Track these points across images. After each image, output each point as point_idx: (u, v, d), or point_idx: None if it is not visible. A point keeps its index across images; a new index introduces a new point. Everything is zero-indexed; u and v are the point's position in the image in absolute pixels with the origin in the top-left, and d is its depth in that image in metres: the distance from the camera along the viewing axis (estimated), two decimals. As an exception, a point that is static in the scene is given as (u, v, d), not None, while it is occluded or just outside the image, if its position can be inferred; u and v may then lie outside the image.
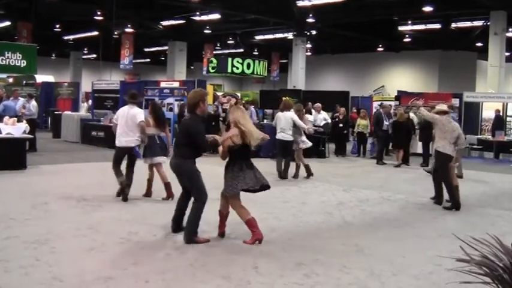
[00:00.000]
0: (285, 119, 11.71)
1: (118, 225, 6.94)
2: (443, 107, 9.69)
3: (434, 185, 9.32)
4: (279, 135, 11.79)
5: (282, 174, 11.77)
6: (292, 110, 12.09)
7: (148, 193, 8.97)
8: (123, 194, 8.58)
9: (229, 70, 19.88)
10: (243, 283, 4.92)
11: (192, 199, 6.41)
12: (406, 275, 5.34)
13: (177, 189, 7.04)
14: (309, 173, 12.00)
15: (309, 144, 12.37)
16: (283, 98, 15.86)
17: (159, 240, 6.30)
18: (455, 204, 8.84)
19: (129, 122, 8.51)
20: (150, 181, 9.00)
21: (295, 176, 11.94)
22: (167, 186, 8.75)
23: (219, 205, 6.50)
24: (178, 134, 6.37)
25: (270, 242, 6.42)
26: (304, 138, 12.14)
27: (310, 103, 17.76)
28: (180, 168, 6.32)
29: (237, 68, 19.74)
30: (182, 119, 6.45)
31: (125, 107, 8.82)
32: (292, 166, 12.03)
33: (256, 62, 20.36)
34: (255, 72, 20.34)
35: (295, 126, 11.74)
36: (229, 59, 20.08)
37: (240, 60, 19.92)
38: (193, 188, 6.31)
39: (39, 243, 5.96)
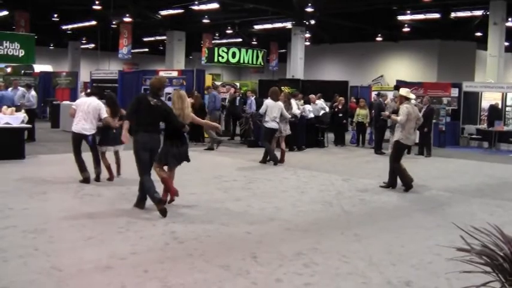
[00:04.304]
0: (278, 109, 12.33)
1: (117, 215, 6.93)
2: (408, 93, 9.74)
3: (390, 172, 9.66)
4: (272, 124, 12.26)
5: (262, 159, 12.42)
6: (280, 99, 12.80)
7: (111, 176, 9.44)
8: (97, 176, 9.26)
9: (215, 60, 19.65)
10: (242, 272, 4.92)
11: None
12: (405, 264, 5.34)
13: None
14: (265, 159, 12.46)
15: (289, 132, 13.00)
16: (279, 89, 15.54)
17: (157, 229, 6.28)
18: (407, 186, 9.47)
19: (90, 111, 9.09)
20: (109, 166, 9.48)
21: (281, 160, 12.43)
22: (118, 168, 9.76)
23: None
24: (152, 114, 6.96)
25: (269, 231, 6.42)
26: (288, 126, 12.90)
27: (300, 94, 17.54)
28: (159, 143, 7.16)
29: (222, 57, 19.45)
30: (155, 102, 7.00)
31: (86, 98, 9.55)
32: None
33: (243, 50, 19.86)
34: (242, 61, 19.83)
35: (281, 115, 12.48)
36: (216, 49, 19.88)
37: (225, 50, 19.60)
38: (151, 161, 7.15)
39: (38, 232, 5.96)
